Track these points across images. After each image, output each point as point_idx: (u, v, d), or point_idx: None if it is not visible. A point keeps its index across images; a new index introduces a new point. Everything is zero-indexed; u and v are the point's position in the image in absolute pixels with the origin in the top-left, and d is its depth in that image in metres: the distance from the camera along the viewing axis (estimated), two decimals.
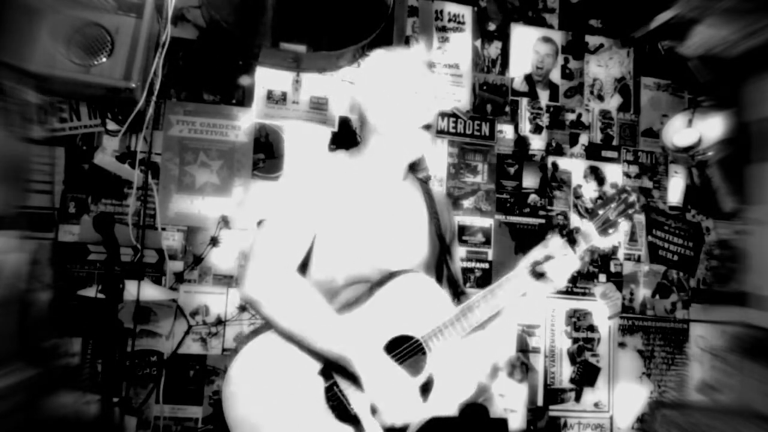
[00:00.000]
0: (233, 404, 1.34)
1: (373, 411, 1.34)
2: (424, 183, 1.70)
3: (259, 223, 1.52)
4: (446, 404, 1.41)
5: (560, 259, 1.40)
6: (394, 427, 1.32)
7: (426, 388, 1.38)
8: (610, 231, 1.46)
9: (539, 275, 1.41)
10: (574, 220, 3.13)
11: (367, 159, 1.56)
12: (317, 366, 1.36)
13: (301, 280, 1.41)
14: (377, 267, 1.44)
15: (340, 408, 1.34)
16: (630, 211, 1.47)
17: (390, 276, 1.42)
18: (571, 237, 1.44)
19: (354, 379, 1.33)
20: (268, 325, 1.39)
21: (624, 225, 1.48)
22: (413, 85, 1.49)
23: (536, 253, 1.43)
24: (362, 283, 1.44)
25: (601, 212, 1.46)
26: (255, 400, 1.34)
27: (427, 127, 1.51)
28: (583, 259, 1.50)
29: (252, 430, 1.32)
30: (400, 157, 1.55)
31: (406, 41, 3.01)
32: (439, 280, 1.58)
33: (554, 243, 1.43)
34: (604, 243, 1.50)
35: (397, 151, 1.53)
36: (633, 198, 1.48)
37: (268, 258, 1.38)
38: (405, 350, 1.39)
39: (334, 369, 1.35)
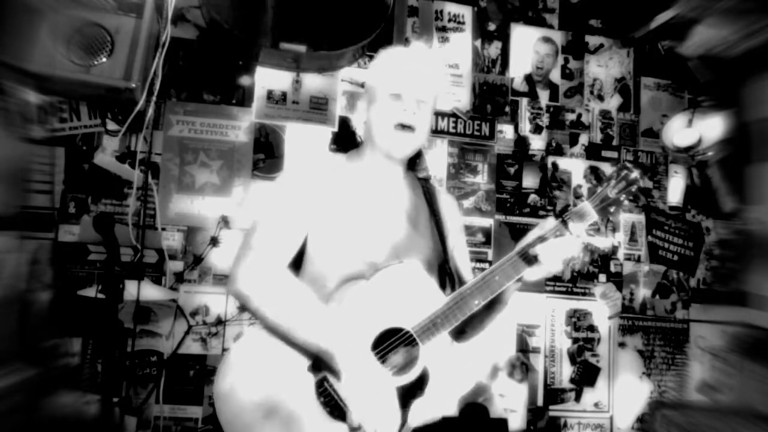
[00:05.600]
0: (224, 402, 1.33)
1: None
2: (426, 181, 1.70)
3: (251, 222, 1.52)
4: (443, 398, 1.39)
5: (553, 240, 1.37)
6: None
7: (421, 382, 1.36)
8: (611, 209, 1.42)
9: (532, 259, 1.38)
10: None
11: (365, 158, 1.58)
12: (306, 362, 1.35)
13: (291, 276, 1.41)
14: (373, 263, 1.43)
15: (332, 404, 1.33)
16: (632, 189, 1.42)
17: (379, 268, 1.40)
18: (564, 217, 1.40)
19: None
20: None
21: (627, 203, 1.43)
22: (391, 87, 1.49)
23: (530, 236, 1.41)
24: (358, 280, 1.43)
25: (599, 190, 1.43)
26: (246, 397, 1.33)
27: (406, 127, 1.48)
28: (580, 238, 1.44)
29: (245, 428, 1.32)
30: (388, 155, 1.56)
31: (407, 41, 3.01)
32: (442, 278, 1.58)
33: (548, 224, 1.40)
34: (598, 217, 1.42)
35: (384, 149, 1.54)
36: (634, 175, 1.43)
37: (258, 254, 1.38)
38: (395, 343, 1.37)
39: (323, 364, 1.34)
